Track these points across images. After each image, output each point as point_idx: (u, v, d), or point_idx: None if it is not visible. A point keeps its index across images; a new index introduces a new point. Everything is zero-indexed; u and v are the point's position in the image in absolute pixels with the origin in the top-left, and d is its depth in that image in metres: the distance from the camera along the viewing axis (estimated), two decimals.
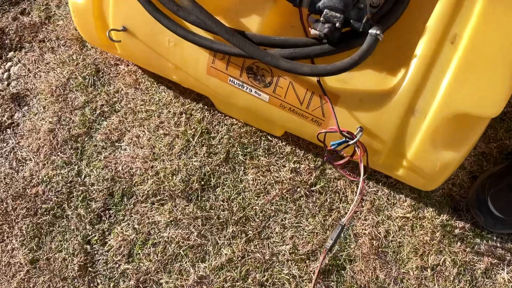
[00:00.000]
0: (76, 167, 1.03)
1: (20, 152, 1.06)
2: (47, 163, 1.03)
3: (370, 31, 0.68)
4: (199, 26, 0.77)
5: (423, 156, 0.76)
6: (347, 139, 0.74)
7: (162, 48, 0.87)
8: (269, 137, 1.01)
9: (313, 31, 0.72)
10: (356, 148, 0.75)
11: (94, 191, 1.01)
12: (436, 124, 0.71)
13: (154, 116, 1.04)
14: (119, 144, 1.04)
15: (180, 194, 0.99)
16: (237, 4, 0.79)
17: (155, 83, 1.07)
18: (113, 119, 1.05)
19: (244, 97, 0.85)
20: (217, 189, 0.99)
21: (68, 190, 1.01)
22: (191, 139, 1.02)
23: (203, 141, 1.02)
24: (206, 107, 1.04)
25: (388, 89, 0.73)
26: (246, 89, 0.83)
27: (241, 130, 1.02)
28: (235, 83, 0.83)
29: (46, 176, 1.02)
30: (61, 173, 1.02)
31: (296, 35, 0.77)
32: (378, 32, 0.68)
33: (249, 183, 0.99)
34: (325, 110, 0.78)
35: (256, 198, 0.98)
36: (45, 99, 1.09)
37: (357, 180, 0.94)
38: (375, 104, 0.74)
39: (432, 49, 0.70)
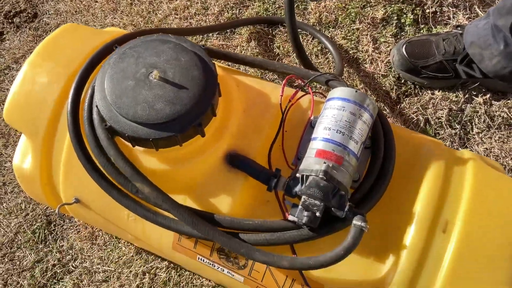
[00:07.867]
0: None
1: None
2: None
3: (354, 222, 0.61)
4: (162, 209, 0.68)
5: None
6: None
7: (120, 222, 0.77)
8: None
9: (290, 217, 0.65)
10: None
11: None
12: None
13: (113, 277, 0.93)
14: None
15: None
16: (205, 181, 0.71)
17: (113, 237, 0.96)
18: (66, 282, 0.93)
19: (215, 275, 0.76)
20: None
21: None
22: None
23: None
24: (172, 265, 0.93)
25: (379, 279, 0.65)
26: (218, 268, 0.74)
27: None
28: (205, 261, 0.74)
29: None
30: None
31: (271, 211, 0.69)
32: (363, 224, 0.61)
33: None
34: None
35: None
36: None
37: None
38: None
39: (422, 239, 0.63)
